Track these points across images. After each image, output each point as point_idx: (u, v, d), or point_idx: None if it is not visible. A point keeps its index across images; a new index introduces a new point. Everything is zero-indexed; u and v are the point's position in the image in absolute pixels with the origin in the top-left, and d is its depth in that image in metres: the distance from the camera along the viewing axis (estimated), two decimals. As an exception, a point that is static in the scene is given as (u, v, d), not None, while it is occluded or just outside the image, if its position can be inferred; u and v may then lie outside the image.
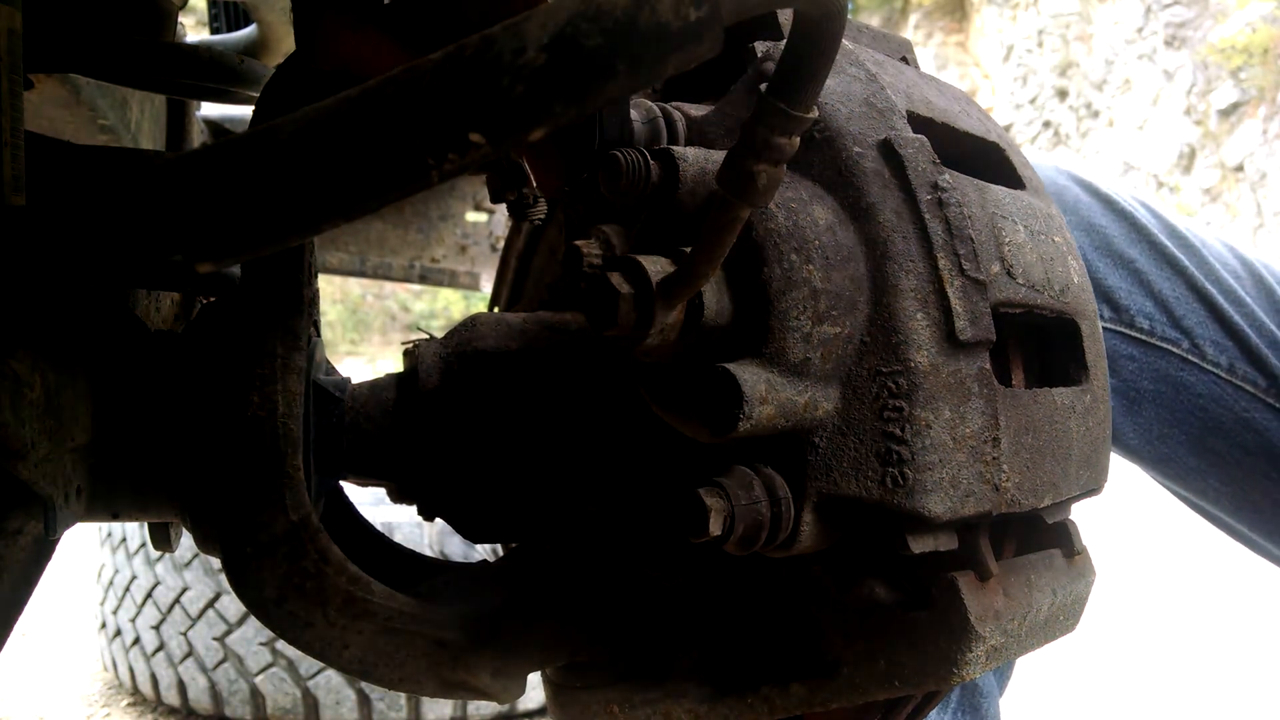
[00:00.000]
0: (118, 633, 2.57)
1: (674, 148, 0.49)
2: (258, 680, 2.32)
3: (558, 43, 0.29)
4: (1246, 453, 1.08)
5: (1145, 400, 1.09)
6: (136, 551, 2.51)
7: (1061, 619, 0.57)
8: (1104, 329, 1.08)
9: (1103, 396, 0.58)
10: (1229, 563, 3.60)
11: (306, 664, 2.29)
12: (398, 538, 1.89)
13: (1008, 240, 0.53)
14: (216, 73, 0.82)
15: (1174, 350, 1.08)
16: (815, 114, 0.39)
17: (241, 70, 0.84)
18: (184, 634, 2.39)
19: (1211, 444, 1.09)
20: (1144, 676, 2.88)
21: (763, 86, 0.40)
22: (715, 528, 0.46)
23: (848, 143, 0.51)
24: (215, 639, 2.35)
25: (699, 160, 0.49)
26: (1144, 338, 1.09)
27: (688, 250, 0.45)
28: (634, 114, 0.54)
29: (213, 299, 0.82)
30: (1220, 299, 1.08)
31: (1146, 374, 1.09)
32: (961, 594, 0.49)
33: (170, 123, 1.06)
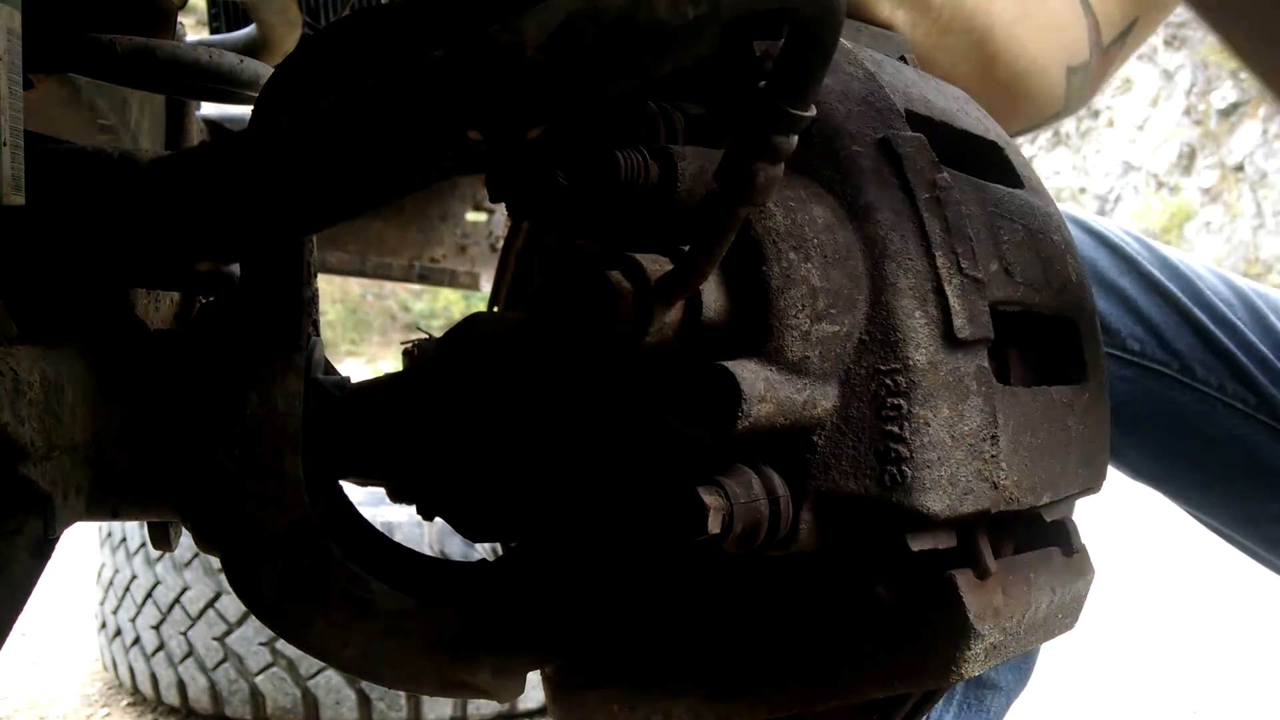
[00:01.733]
0: (118, 632, 2.57)
1: (673, 146, 0.49)
2: (258, 680, 2.32)
3: (556, 41, 0.29)
4: (1240, 469, 1.12)
5: (1141, 419, 1.13)
6: (136, 551, 2.51)
7: (1060, 617, 0.57)
8: None
9: (1101, 394, 0.58)
10: (1227, 563, 3.60)
11: (306, 664, 2.29)
12: (398, 538, 1.89)
13: (1006, 239, 0.53)
14: (216, 73, 0.82)
15: (1165, 371, 1.13)
16: (813, 112, 0.39)
17: (241, 70, 0.84)
18: (184, 634, 2.39)
19: (1207, 461, 1.13)
20: (1144, 676, 2.88)
21: (761, 84, 0.40)
22: (714, 526, 0.46)
23: (846, 141, 0.51)
24: (215, 639, 2.35)
25: (698, 159, 0.49)
26: (1135, 359, 1.13)
27: (686, 249, 0.45)
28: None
29: (212, 298, 0.82)
30: (1209, 323, 1.13)
31: (1140, 394, 1.13)
32: (960, 592, 0.49)
33: (170, 123, 1.06)
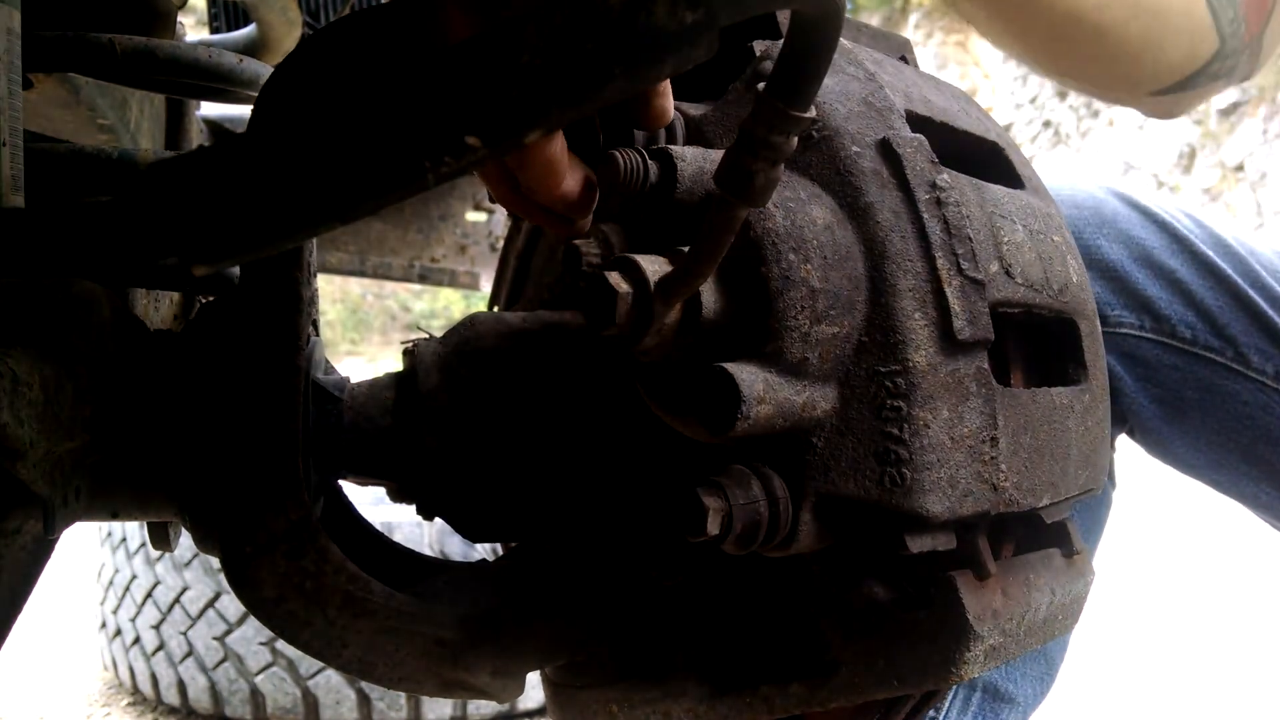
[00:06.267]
0: (118, 632, 2.57)
1: (672, 147, 0.49)
2: (258, 680, 2.32)
3: (554, 46, 0.29)
4: None
5: (1190, 409, 1.07)
6: (136, 551, 2.51)
7: (1060, 618, 0.57)
8: (1146, 338, 1.07)
9: (1101, 396, 0.58)
10: (1227, 563, 3.60)
11: (306, 664, 2.29)
12: (398, 538, 1.89)
13: (1006, 239, 0.53)
14: (216, 73, 0.82)
15: (1218, 359, 1.06)
16: (813, 113, 0.39)
17: (241, 70, 0.84)
18: (184, 634, 2.39)
19: (1261, 452, 1.06)
20: (1144, 676, 2.88)
21: (761, 85, 0.40)
22: (713, 527, 0.46)
23: (846, 142, 0.51)
24: (215, 639, 2.35)
25: (697, 159, 0.49)
26: (1186, 346, 1.07)
27: (686, 250, 0.45)
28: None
29: (212, 298, 0.82)
30: (1266, 307, 1.06)
31: (1190, 383, 1.07)
32: (960, 594, 0.49)
33: (170, 123, 1.06)
